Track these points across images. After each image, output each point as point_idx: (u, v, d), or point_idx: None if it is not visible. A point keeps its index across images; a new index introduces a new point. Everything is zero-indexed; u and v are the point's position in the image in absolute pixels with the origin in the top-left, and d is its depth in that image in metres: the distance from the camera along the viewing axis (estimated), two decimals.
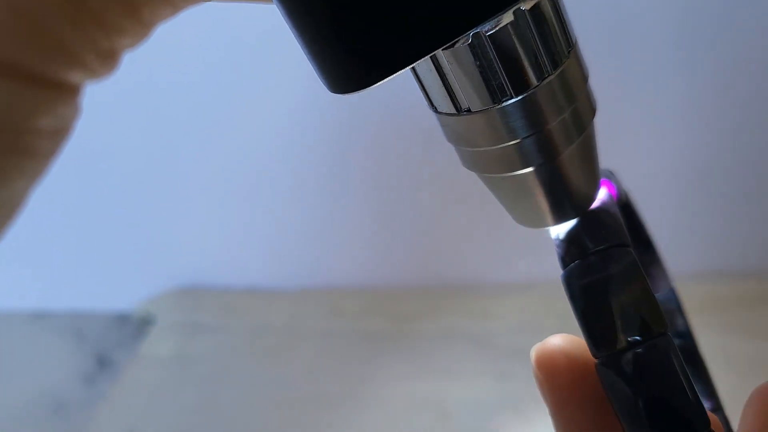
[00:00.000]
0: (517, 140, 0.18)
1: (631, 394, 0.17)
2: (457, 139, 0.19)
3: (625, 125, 0.49)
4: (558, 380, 0.19)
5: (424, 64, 0.18)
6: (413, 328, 0.55)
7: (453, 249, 0.58)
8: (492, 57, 0.17)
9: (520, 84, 0.17)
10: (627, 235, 0.19)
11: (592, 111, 0.19)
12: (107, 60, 0.14)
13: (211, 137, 0.56)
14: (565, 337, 0.19)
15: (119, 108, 0.51)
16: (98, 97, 0.26)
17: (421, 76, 0.18)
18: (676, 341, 0.22)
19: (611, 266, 0.18)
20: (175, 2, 0.14)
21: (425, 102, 0.19)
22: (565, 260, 0.19)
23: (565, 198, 0.19)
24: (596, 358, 0.18)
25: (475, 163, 0.19)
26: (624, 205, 0.23)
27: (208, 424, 0.50)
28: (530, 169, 0.18)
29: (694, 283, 0.50)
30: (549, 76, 0.17)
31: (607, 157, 0.21)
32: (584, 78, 0.19)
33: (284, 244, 0.60)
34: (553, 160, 0.18)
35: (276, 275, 0.61)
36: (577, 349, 0.19)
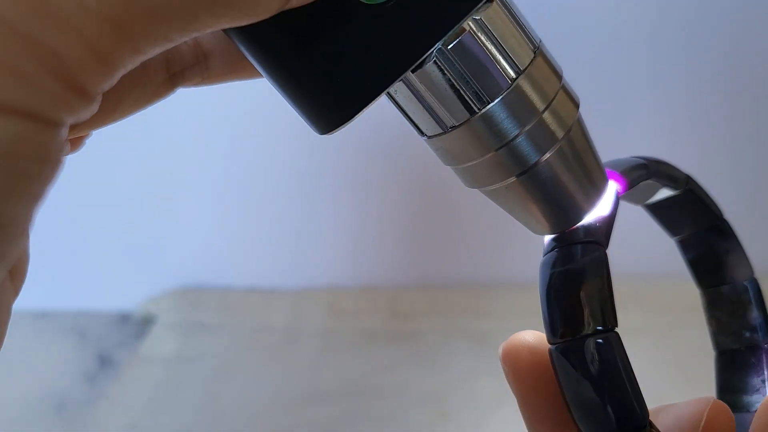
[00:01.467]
0: (506, 143, 0.18)
1: (586, 379, 0.18)
2: (451, 158, 0.20)
3: (626, 125, 0.49)
4: (521, 372, 0.20)
5: (402, 93, 0.19)
6: (413, 327, 0.56)
7: (453, 249, 0.58)
8: (459, 68, 0.18)
9: (492, 89, 0.18)
10: (606, 233, 0.20)
11: (575, 105, 0.19)
12: (82, 97, 0.14)
13: (211, 138, 0.57)
14: (529, 333, 0.21)
15: None
16: None
17: (403, 105, 0.19)
18: (746, 334, 0.24)
19: (582, 259, 0.19)
20: (138, 46, 0.14)
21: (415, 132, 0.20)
22: (545, 251, 0.20)
23: (571, 194, 0.20)
24: (553, 344, 0.19)
25: (474, 179, 0.20)
26: (686, 192, 0.23)
27: (208, 423, 0.50)
28: (526, 170, 0.19)
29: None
30: (519, 76, 0.18)
31: (606, 157, 0.21)
32: (557, 75, 0.19)
33: (284, 244, 0.60)
34: (545, 156, 0.19)
35: (276, 275, 0.61)
36: (539, 344, 0.20)
